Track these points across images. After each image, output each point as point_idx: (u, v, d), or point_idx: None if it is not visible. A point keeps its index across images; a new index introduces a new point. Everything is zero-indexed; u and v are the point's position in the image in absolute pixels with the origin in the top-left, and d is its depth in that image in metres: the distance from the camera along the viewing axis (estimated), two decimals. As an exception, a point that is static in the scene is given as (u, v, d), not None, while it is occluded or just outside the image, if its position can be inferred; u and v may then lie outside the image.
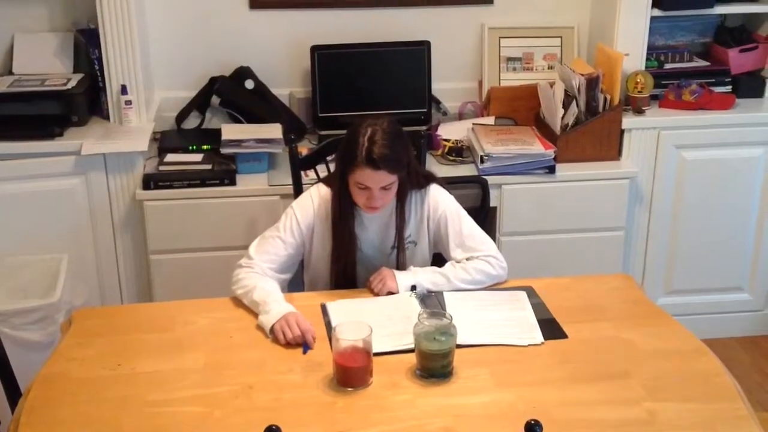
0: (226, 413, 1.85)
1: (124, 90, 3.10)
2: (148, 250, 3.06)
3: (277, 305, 2.17)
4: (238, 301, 2.29)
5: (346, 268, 2.43)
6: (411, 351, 1.99)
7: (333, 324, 2.11)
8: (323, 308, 2.26)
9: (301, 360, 2.04)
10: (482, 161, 3.09)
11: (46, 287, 2.83)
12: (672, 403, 1.87)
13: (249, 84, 3.35)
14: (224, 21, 3.38)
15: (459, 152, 3.21)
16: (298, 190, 2.77)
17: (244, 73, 3.37)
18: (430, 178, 2.49)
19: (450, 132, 3.33)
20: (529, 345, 2.10)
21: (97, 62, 3.15)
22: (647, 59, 3.34)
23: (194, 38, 3.39)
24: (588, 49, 3.55)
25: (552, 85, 3.22)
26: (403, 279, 2.33)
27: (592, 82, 3.16)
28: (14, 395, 2.16)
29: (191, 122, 3.43)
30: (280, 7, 3.39)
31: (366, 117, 2.34)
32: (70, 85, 3.11)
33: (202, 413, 1.85)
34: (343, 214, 2.38)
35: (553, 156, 3.12)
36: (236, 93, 3.37)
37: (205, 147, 3.18)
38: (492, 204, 3.00)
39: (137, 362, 2.03)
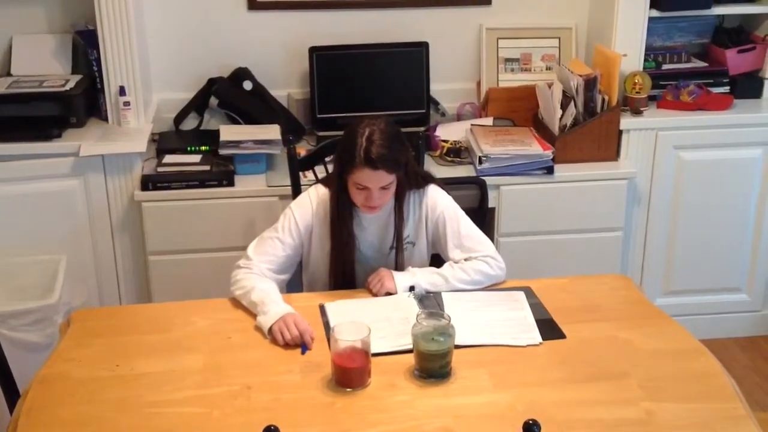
0: (225, 414, 1.85)
1: (122, 91, 3.10)
2: (146, 251, 3.06)
3: (275, 306, 2.17)
4: (236, 302, 2.29)
5: (344, 268, 2.43)
6: (409, 351, 1.99)
7: (331, 324, 2.11)
8: (322, 309, 2.26)
9: (299, 360, 2.04)
10: (480, 162, 3.09)
11: (45, 288, 2.83)
12: (670, 403, 1.87)
13: (247, 85, 3.35)
14: (222, 22, 3.39)
15: (457, 153, 3.21)
16: (296, 191, 2.77)
17: (242, 74, 3.37)
18: (428, 179, 2.49)
19: (448, 133, 3.33)
20: (528, 345, 2.10)
21: (95, 63, 3.15)
22: (645, 60, 3.35)
23: (192, 39, 3.39)
24: (586, 50, 3.56)
25: (550, 85, 3.22)
26: (402, 279, 2.33)
27: (590, 83, 3.17)
28: (13, 396, 2.16)
29: (189, 123, 3.43)
30: (279, 8, 3.39)
31: (363, 117, 2.35)
32: (68, 87, 3.11)
33: (201, 414, 1.85)
34: (341, 214, 2.38)
35: (551, 157, 3.12)
36: (234, 94, 3.37)
37: (203, 148, 3.18)
38: (490, 205, 3.01)
39: (136, 363, 2.03)
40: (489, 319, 2.19)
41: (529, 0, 3.50)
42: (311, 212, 2.43)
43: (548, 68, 3.51)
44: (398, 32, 3.43)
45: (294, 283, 2.52)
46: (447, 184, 2.55)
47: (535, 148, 3.14)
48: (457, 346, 2.00)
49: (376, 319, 2.12)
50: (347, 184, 2.33)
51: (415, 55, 3.39)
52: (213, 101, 3.39)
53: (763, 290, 3.55)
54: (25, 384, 2.00)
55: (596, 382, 1.95)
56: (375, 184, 2.28)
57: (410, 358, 1.99)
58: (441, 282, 2.34)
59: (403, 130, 2.40)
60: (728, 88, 3.43)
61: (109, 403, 1.89)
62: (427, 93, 3.42)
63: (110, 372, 2.00)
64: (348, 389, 1.92)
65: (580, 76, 3.17)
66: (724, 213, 3.40)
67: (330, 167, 2.69)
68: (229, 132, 3.18)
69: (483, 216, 2.82)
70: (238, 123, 3.38)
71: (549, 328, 2.17)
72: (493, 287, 2.38)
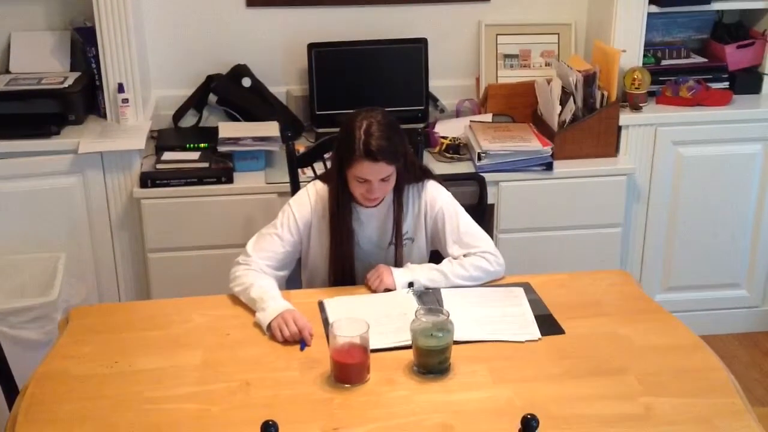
0: (224, 410, 1.85)
1: (121, 88, 3.10)
2: (145, 248, 3.06)
3: (274, 302, 2.17)
4: (235, 299, 2.29)
5: (343, 264, 2.43)
6: (408, 347, 1.99)
7: (330, 321, 2.11)
8: (320, 305, 2.26)
9: (298, 357, 2.04)
10: (479, 158, 3.09)
11: (44, 286, 2.83)
12: (669, 399, 1.87)
13: (246, 82, 3.35)
14: (221, 19, 3.38)
15: (456, 149, 3.21)
16: (295, 187, 2.77)
17: (241, 71, 3.37)
18: (427, 172, 2.49)
19: (447, 129, 3.33)
20: (527, 341, 2.10)
21: (93, 61, 3.15)
22: (644, 56, 3.35)
23: (191, 36, 3.39)
24: (585, 46, 3.55)
25: (549, 81, 3.22)
26: (401, 276, 2.33)
27: (589, 79, 3.16)
28: (12, 393, 2.16)
29: (188, 120, 3.43)
30: (277, 4, 3.39)
31: (359, 110, 2.34)
32: (66, 84, 3.11)
33: (200, 410, 1.85)
34: (340, 210, 2.38)
35: (550, 153, 3.12)
36: (233, 91, 3.37)
37: (202, 145, 3.18)
38: (489, 201, 3.01)
39: (135, 360, 2.03)
40: (488, 315, 2.19)
41: (528, -3, 3.51)
42: (310, 209, 2.42)
43: (547, 64, 3.51)
44: (397, 29, 3.42)
45: (293, 279, 2.52)
46: (446, 180, 2.55)
47: (534, 144, 3.13)
48: (456, 342, 2.00)
49: (375, 316, 2.11)
50: (347, 178, 2.33)
51: (414, 51, 3.39)
52: (212, 98, 3.39)
53: (762, 286, 3.55)
54: (24, 381, 2.00)
55: (595, 378, 1.95)
56: (376, 177, 2.28)
57: (409, 354, 1.99)
58: (440, 278, 2.34)
59: (402, 126, 2.39)
60: (727, 83, 3.42)
61: (107, 399, 1.89)
62: (426, 89, 3.42)
63: (109, 369, 2.00)
64: (347, 385, 1.92)
65: (579, 72, 3.16)
66: (723, 209, 3.40)
67: (329, 164, 2.69)
68: (227, 129, 3.18)
69: (482, 212, 2.82)
70: (236, 120, 3.38)
71: (548, 324, 2.17)
72: (492, 283, 2.38)
